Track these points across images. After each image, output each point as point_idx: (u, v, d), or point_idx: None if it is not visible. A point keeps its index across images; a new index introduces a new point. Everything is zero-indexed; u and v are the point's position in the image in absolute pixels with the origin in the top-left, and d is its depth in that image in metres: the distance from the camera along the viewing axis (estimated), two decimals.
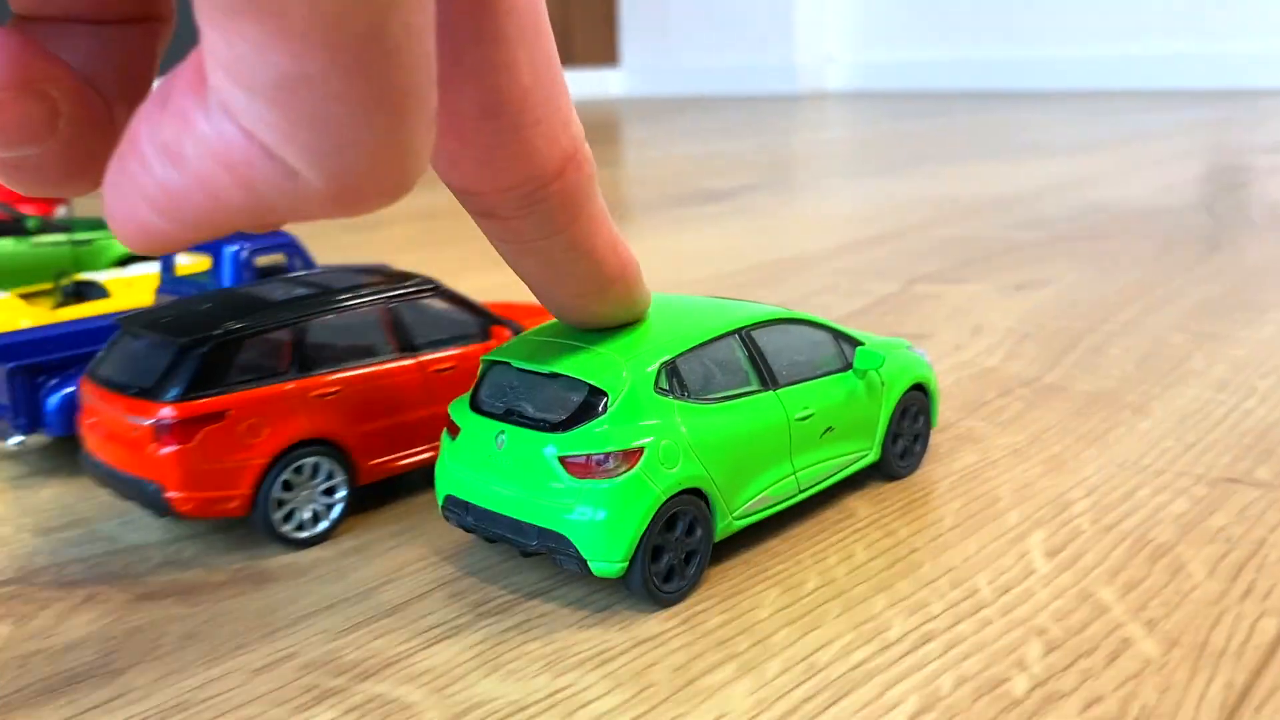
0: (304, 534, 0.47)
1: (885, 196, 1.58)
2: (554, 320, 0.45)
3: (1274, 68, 3.35)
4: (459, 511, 0.43)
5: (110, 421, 0.46)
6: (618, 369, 0.41)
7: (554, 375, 0.42)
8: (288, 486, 0.47)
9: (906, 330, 0.82)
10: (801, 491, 0.47)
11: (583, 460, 0.40)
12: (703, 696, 0.36)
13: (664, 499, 0.40)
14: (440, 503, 0.44)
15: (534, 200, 0.29)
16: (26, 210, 0.87)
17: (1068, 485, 0.52)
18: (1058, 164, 1.90)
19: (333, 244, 1.28)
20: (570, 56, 4.47)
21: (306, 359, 0.47)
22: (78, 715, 0.36)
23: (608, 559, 0.40)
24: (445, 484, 0.44)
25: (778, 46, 4.36)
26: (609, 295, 0.38)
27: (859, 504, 0.51)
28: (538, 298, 0.38)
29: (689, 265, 1.10)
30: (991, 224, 1.30)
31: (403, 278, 0.52)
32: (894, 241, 1.21)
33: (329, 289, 0.50)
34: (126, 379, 0.46)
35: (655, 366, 0.42)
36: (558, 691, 0.36)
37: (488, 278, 1.05)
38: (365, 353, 0.49)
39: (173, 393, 0.44)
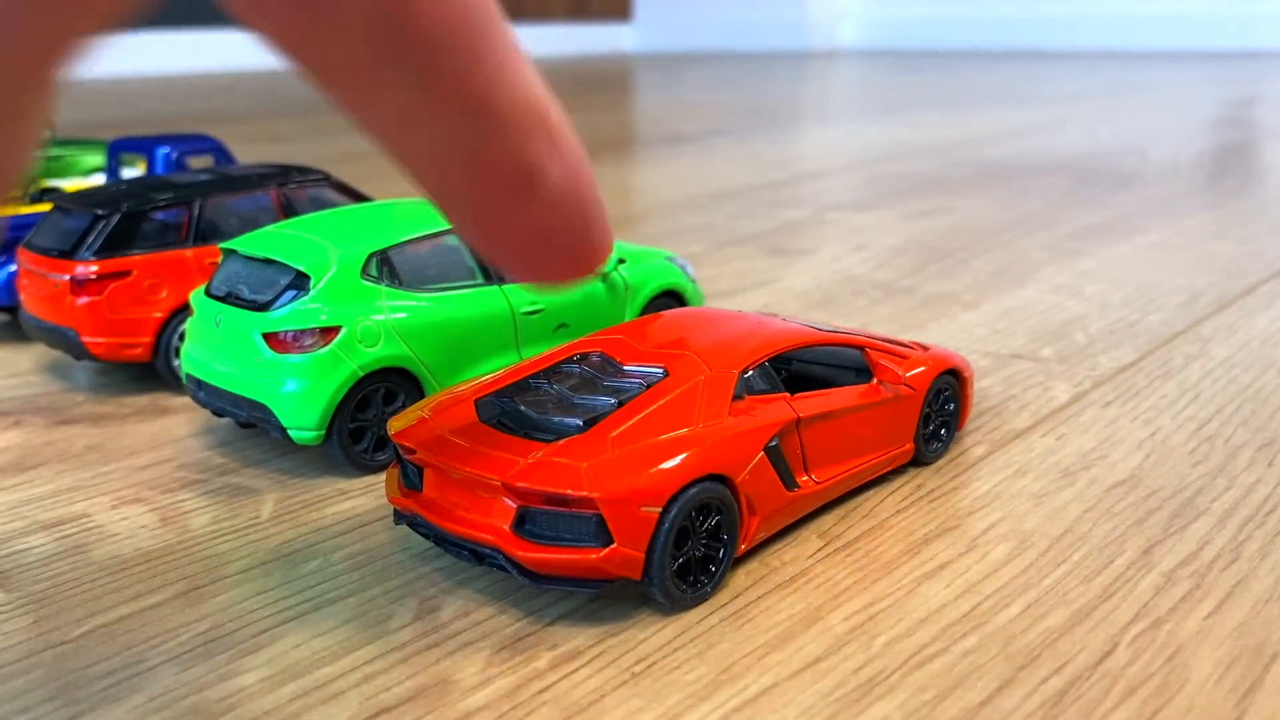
0: None
1: (847, 139, 1.65)
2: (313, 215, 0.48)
3: None
4: (195, 388, 0.47)
5: (38, 280, 0.55)
6: (325, 255, 0.45)
7: (269, 261, 0.46)
8: None
9: (792, 246, 0.90)
10: None
11: (283, 336, 0.44)
12: None
13: (360, 374, 0.44)
14: (184, 381, 0.49)
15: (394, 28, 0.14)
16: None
17: None
18: (1031, 113, 1.95)
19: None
20: (585, 11, 4.51)
21: (203, 232, 0.56)
22: None
23: (303, 426, 0.44)
24: (186, 364, 0.48)
25: (789, 3, 4.37)
26: (534, 203, 0.17)
27: None
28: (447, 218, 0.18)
29: (635, 197, 1.18)
30: (931, 163, 1.37)
31: (297, 170, 0.61)
32: (829, 177, 1.28)
33: (229, 177, 0.59)
34: (52, 244, 0.55)
35: (363, 255, 0.45)
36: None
37: None
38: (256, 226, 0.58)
39: (87, 253, 0.53)
